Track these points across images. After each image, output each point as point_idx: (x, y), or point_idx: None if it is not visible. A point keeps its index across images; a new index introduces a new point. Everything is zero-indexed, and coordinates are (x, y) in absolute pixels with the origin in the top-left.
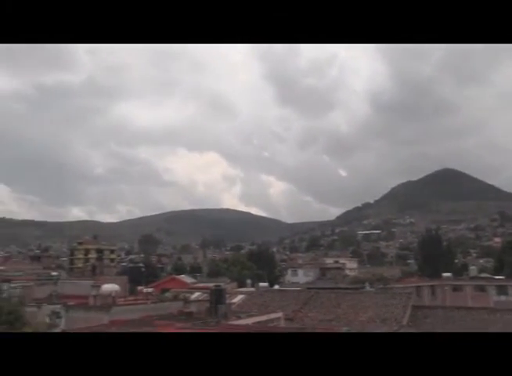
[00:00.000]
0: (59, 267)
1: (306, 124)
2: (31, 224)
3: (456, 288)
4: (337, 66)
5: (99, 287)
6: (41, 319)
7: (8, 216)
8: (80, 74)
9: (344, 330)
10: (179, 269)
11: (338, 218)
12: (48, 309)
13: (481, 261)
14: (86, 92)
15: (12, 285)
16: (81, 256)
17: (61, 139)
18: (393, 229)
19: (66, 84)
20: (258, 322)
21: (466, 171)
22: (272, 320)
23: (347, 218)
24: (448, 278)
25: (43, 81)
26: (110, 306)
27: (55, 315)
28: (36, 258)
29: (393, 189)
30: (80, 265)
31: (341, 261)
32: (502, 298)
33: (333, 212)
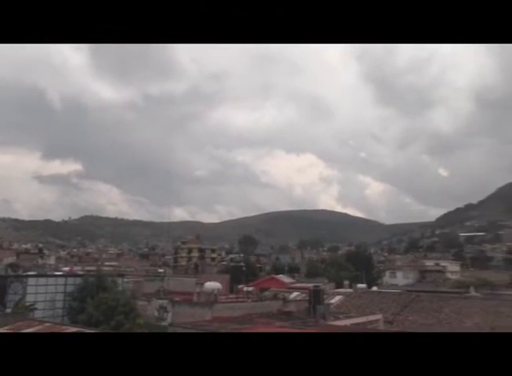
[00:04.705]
0: (165, 264)
1: (405, 123)
2: (140, 224)
3: None
4: (437, 62)
5: (202, 284)
6: (150, 312)
7: (120, 216)
8: (183, 82)
9: None
10: (278, 269)
11: (438, 219)
12: (156, 303)
13: None
14: (188, 98)
15: (125, 280)
16: (184, 255)
17: (166, 144)
18: (500, 232)
19: (171, 93)
20: (357, 323)
21: None
22: (371, 322)
23: (448, 219)
24: None
25: (150, 90)
26: (213, 303)
27: (163, 309)
28: (144, 256)
29: (500, 189)
30: (183, 263)
31: (442, 263)
32: None
33: (433, 213)
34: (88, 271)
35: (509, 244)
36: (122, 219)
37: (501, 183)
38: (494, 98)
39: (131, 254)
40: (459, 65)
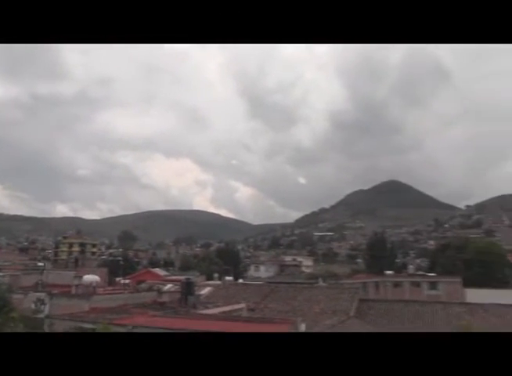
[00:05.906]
0: (45, 259)
1: (273, 136)
2: (21, 219)
3: (396, 284)
4: (301, 86)
5: (80, 277)
6: (27, 305)
7: None
8: (71, 85)
9: (298, 321)
10: (154, 263)
11: (297, 221)
12: (33, 296)
13: (418, 260)
14: (76, 101)
15: (1, 274)
16: (65, 249)
17: (50, 144)
18: (345, 232)
19: (59, 94)
20: (223, 312)
21: (409, 183)
22: (235, 310)
23: (305, 221)
24: (390, 275)
25: (38, 90)
26: (91, 295)
27: (40, 302)
28: (24, 250)
29: (346, 196)
30: (64, 257)
31: (298, 259)
32: (433, 292)
33: (293, 216)
34: None
35: (351, 242)
36: (1, 214)
37: (347, 192)
38: (344, 121)
39: (10, 249)
40: (318, 91)
